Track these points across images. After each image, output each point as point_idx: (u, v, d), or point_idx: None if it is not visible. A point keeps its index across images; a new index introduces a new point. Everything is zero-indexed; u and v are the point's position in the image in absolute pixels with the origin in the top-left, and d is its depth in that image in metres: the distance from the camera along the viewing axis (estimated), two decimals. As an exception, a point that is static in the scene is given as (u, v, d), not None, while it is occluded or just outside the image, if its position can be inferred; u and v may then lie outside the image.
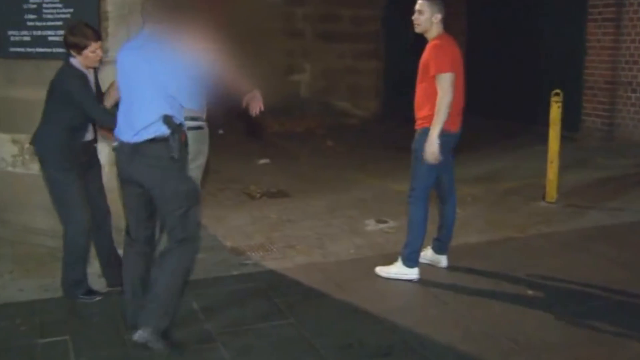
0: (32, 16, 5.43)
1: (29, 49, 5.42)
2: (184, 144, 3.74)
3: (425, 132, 4.76)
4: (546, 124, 6.95)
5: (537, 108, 9.47)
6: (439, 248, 5.27)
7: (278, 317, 4.44)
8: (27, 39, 5.44)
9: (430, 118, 4.75)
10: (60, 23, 5.26)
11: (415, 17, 4.86)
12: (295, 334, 4.22)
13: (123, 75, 3.78)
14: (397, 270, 5.02)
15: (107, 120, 4.19)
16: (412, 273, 5.00)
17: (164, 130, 3.63)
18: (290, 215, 6.55)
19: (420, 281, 5.00)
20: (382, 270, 5.08)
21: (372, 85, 12.58)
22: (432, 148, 4.71)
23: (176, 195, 3.74)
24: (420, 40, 5.00)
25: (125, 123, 3.77)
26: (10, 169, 5.64)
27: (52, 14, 5.38)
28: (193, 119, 4.28)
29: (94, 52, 4.39)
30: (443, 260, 5.26)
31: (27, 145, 5.42)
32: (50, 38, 5.35)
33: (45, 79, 5.07)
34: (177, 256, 3.82)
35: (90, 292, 4.64)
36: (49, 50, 5.35)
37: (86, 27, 4.44)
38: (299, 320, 4.38)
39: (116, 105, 4.14)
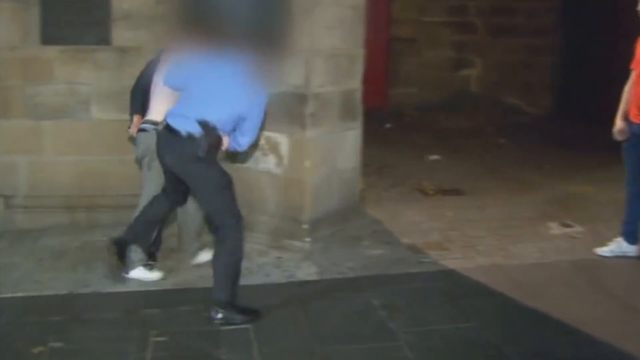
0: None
1: None
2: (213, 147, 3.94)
3: None
4: None
5: None
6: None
7: (463, 320, 4.24)
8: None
9: None
10: None
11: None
12: (482, 339, 4.01)
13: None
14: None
15: None
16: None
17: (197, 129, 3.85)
18: (467, 214, 6.31)
19: (612, 293, 4.60)
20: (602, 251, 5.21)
21: (546, 81, 11.96)
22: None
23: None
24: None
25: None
26: None
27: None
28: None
29: None
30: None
31: None
32: None
33: None
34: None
35: None
36: None
37: None
38: (485, 325, 4.17)
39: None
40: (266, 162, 5.45)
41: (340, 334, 4.07)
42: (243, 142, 4.04)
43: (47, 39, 5.51)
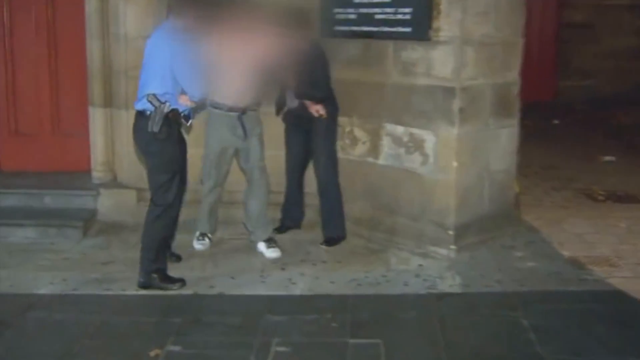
0: (359, -8, 5.43)
1: (354, 28, 5.42)
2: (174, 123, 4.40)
3: None
4: None
5: None
6: None
7: (632, 353, 3.75)
8: (353, 17, 5.42)
9: None
10: (388, 0, 5.19)
11: None
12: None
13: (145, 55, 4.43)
14: None
15: None
16: None
17: (147, 106, 4.33)
18: (644, 225, 5.71)
19: None
20: None
21: None
22: None
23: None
24: None
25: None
26: None
27: (380, -11, 5.33)
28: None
29: None
30: None
31: (347, 129, 5.55)
32: (376, 16, 5.28)
33: (369, 59, 5.28)
34: None
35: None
36: (375, 29, 5.30)
37: None
38: (659, 361, 3.64)
39: None
40: (410, 161, 5.25)
41: (481, 356, 3.75)
42: (191, 95, 4.42)
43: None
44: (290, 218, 5.62)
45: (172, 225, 4.64)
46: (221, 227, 5.54)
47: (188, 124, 4.60)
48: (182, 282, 4.58)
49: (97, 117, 5.91)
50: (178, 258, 5.00)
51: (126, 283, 4.62)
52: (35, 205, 5.79)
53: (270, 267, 4.95)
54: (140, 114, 4.40)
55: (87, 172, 6.05)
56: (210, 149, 5.18)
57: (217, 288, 4.60)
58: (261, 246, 5.19)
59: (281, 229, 5.55)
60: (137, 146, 4.79)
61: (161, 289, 4.51)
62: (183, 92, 4.40)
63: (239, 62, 4.77)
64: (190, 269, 4.88)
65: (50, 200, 5.84)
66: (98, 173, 5.99)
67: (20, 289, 4.59)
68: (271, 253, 5.13)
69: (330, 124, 5.29)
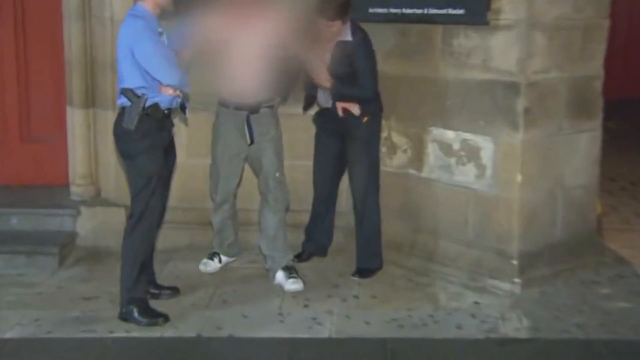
0: (401, -33, 5.40)
1: (393, 10, 5.37)
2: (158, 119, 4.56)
3: None
4: None
5: None
6: None
7: None
8: None
9: None
10: None
11: None
12: None
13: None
14: None
15: None
16: None
17: (124, 102, 4.54)
18: None
19: None
20: None
21: None
22: None
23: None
24: None
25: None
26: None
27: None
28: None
29: None
30: None
31: (384, 135, 5.52)
32: None
33: (412, 49, 5.32)
34: None
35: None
36: (419, 11, 5.25)
37: None
38: None
39: None
40: (463, 174, 5.23)
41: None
42: (164, 82, 4.54)
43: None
44: (314, 243, 5.59)
45: (147, 240, 4.68)
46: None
47: (186, 115, 4.80)
48: (164, 317, 4.61)
49: (76, 119, 5.91)
50: (173, 291, 5.00)
51: (113, 323, 4.57)
52: (-1, 228, 5.71)
53: (291, 303, 4.91)
54: (121, 111, 4.58)
55: (65, 186, 6.02)
56: (216, 157, 5.18)
57: (226, 329, 4.56)
58: (279, 276, 5.15)
59: (302, 255, 5.53)
60: (115, 146, 4.94)
61: (138, 324, 4.54)
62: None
63: (245, 47, 4.89)
64: (193, 305, 4.86)
65: (18, 221, 5.81)
66: (78, 187, 5.98)
67: (-19, 331, 4.54)
68: (291, 285, 5.09)
69: (374, 127, 5.28)
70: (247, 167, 5.35)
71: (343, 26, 5.07)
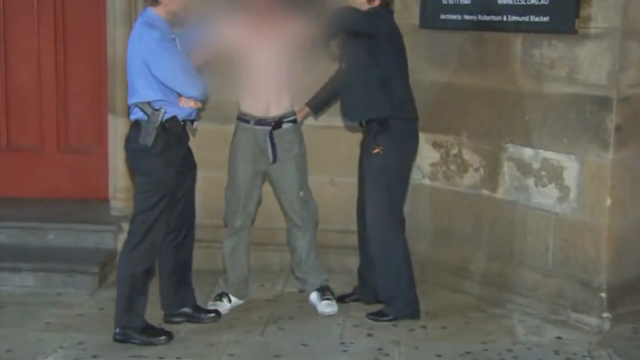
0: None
1: (466, 16, 5.21)
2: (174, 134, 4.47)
3: None
4: None
5: None
6: None
7: None
8: (467, 1, 5.20)
9: None
10: None
11: None
12: None
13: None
14: None
15: None
16: None
17: (140, 116, 4.44)
18: None
19: None
20: None
21: None
22: None
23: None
24: None
25: None
26: (427, 181, 5.61)
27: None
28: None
29: None
30: None
31: (453, 152, 5.44)
32: (499, 0, 5.05)
33: (488, 58, 5.19)
34: None
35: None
36: (497, 17, 5.07)
37: None
38: None
39: None
40: (543, 196, 5.04)
41: None
42: (187, 94, 4.46)
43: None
44: (365, 288, 5.15)
45: (147, 261, 4.55)
46: (282, 276, 5.50)
47: (194, 126, 4.67)
48: (168, 335, 4.54)
49: (119, 128, 5.70)
50: (216, 315, 4.87)
51: (162, 348, 4.46)
52: (35, 244, 5.67)
53: (353, 332, 4.78)
54: (135, 125, 4.48)
55: (105, 200, 5.95)
56: (237, 177, 4.93)
57: (285, 358, 4.42)
58: (313, 297, 5.09)
59: (345, 298, 5.15)
60: (127, 162, 4.91)
61: (139, 344, 4.45)
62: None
63: (268, 55, 4.71)
64: (247, 332, 4.74)
65: (55, 237, 5.70)
66: (119, 202, 5.83)
67: (21, 355, 4.43)
68: (325, 307, 5.02)
69: (391, 160, 4.80)
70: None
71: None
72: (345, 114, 5.04)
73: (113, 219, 5.76)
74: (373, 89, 4.71)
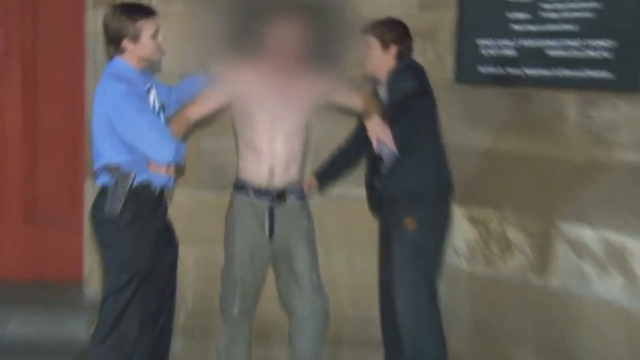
0: (522, 15, 4.82)
1: (511, 70, 4.86)
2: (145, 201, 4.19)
3: None
4: None
5: None
6: None
7: None
8: (511, 52, 4.84)
9: None
10: (571, 27, 4.60)
11: None
12: None
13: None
14: None
15: None
16: None
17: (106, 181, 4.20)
18: None
19: None
20: None
21: None
22: None
23: None
24: None
25: None
26: (464, 264, 5.17)
27: (558, 10, 4.71)
28: None
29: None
30: None
31: (494, 228, 5.02)
32: (550, 52, 4.68)
33: (534, 119, 4.90)
34: None
35: None
36: (547, 72, 4.71)
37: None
38: None
39: None
40: (604, 284, 4.54)
41: None
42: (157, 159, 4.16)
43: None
44: None
45: (119, 354, 4.20)
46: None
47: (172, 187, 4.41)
48: None
49: (97, 195, 5.38)
50: None
51: None
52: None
53: None
54: (102, 192, 4.22)
55: (78, 281, 5.60)
56: (233, 257, 4.40)
57: None
58: None
59: None
60: (93, 234, 4.60)
61: None
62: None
63: (282, 112, 4.29)
64: None
65: (16, 326, 5.28)
66: (96, 283, 5.35)
67: None
68: None
69: (427, 240, 4.43)
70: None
71: (385, 57, 4.41)
72: (391, 183, 4.51)
73: (88, 303, 5.29)
74: (424, 154, 4.42)
